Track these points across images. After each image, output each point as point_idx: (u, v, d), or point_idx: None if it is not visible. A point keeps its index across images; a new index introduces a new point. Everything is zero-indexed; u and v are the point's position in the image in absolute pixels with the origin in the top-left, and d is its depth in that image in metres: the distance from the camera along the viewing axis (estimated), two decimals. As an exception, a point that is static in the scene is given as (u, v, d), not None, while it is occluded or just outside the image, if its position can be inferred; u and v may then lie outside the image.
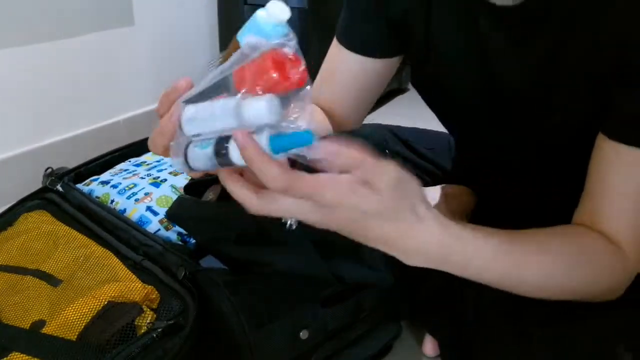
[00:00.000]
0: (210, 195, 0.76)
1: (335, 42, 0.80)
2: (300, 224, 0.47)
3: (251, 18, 0.44)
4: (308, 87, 0.42)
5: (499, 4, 0.61)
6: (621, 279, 0.61)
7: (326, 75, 0.82)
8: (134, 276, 0.80)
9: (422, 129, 1.02)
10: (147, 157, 1.16)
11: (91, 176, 1.11)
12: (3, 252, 0.88)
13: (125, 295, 0.76)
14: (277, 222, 0.47)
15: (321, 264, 0.74)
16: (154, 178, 1.06)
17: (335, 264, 0.74)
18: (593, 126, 0.61)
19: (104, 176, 1.10)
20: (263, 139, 0.42)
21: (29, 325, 0.74)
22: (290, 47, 0.42)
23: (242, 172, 0.47)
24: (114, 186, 1.05)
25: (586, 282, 0.59)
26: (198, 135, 0.46)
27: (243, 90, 0.42)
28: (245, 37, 0.44)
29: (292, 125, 0.42)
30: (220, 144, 0.44)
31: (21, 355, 0.69)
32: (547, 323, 0.62)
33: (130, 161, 1.16)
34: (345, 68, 0.80)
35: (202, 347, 0.75)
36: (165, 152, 0.49)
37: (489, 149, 0.78)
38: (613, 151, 0.59)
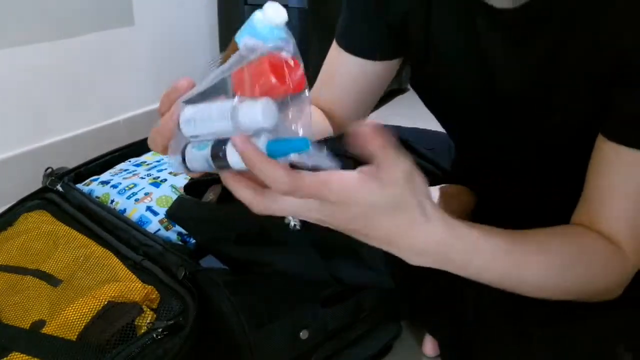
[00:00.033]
0: (210, 195, 0.76)
1: (334, 44, 0.80)
2: (303, 224, 0.47)
3: (249, 19, 0.44)
4: (306, 92, 0.42)
5: (498, 6, 0.61)
6: (621, 279, 0.61)
7: (326, 77, 0.82)
8: (134, 276, 0.80)
9: (422, 129, 1.02)
10: (147, 157, 1.16)
11: (91, 176, 1.11)
12: (3, 252, 0.88)
13: (125, 295, 0.76)
14: (279, 222, 0.47)
15: (321, 265, 0.74)
16: (154, 178, 1.06)
17: (335, 264, 0.74)
18: (593, 126, 0.61)
19: (104, 176, 1.10)
20: (260, 144, 0.42)
21: (29, 325, 0.74)
22: (289, 51, 0.41)
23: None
24: (114, 186, 1.05)
25: (586, 281, 0.59)
26: (196, 136, 0.46)
27: (239, 94, 0.42)
28: (243, 39, 0.43)
29: (290, 130, 0.42)
30: (218, 147, 0.44)
31: (21, 355, 0.69)
32: (547, 323, 0.62)
33: (130, 161, 1.16)
34: (345, 70, 0.80)
35: (202, 347, 0.75)
36: (165, 151, 0.49)
37: (489, 149, 0.78)
38: (613, 152, 0.59)
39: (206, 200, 0.77)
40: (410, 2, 0.70)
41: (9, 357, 0.69)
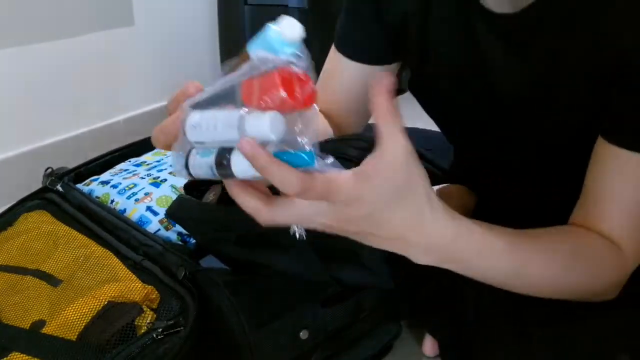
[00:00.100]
0: (210, 196, 0.76)
1: (334, 48, 0.80)
2: (307, 232, 0.47)
3: (263, 31, 0.43)
4: (315, 107, 0.42)
5: (498, 11, 0.61)
6: (619, 280, 0.61)
7: (326, 80, 0.82)
8: (134, 276, 0.80)
9: (421, 129, 1.02)
10: (147, 157, 1.16)
11: (91, 176, 1.11)
12: (3, 252, 0.88)
13: (125, 295, 0.76)
14: (284, 231, 0.47)
15: (321, 267, 0.74)
16: (154, 178, 1.06)
17: (335, 266, 0.74)
18: (593, 126, 0.61)
19: (104, 176, 1.10)
20: None
21: (29, 325, 0.74)
22: (301, 67, 0.41)
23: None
24: (114, 186, 1.05)
25: (586, 281, 0.59)
26: (201, 142, 0.46)
27: (248, 104, 0.42)
28: (255, 50, 0.43)
29: (296, 144, 0.41)
30: (222, 155, 0.44)
31: (21, 355, 0.69)
32: (547, 323, 0.62)
33: (130, 161, 1.16)
34: (344, 74, 0.80)
35: (202, 347, 0.75)
36: (168, 148, 0.49)
37: (489, 149, 0.78)
38: (612, 154, 0.59)
39: (206, 201, 0.76)
40: (409, 5, 0.70)
41: (9, 357, 0.69)
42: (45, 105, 1.53)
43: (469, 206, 0.84)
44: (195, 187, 0.79)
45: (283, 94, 0.40)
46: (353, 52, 0.78)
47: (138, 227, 0.93)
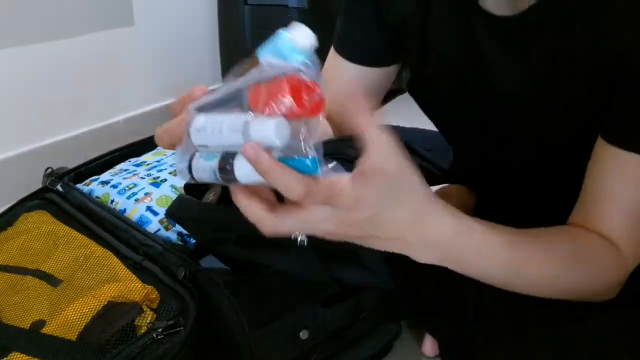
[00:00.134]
0: (210, 196, 0.76)
1: (333, 49, 0.80)
2: (308, 237, 0.47)
3: (275, 37, 0.43)
4: (321, 116, 0.42)
5: (498, 14, 0.61)
6: (619, 280, 0.61)
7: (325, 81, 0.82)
8: (134, 276, 0.80)
9: (421, 129, 1.02)
10: (147, 157, 1.16)
11: (91, 176, 1.11)
12: (3, 252, 0.88)
13: (125, 295, 0.76)
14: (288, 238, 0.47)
15: (321, 266, 0.74)
16: (154, 178, 1.06)
17: (335, 266, 0.74)
18: (593, 126, 0.61)
19: (104, 176, 1.10)
20: None
21: (29, 325, 0.74)
22: (310, 75, 0.41)
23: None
24: (114, 186, 1.05)
25: (585, 281, 0.60)
26: (205, 146, 0.46)
27: (254, 109, 0.42)
28: (265, 55, 0.43)
29: (300, 150, 0.41)
30: (226, 159, 0.44)
31: (21, 355, 0.69)
32: (547, 323, 0.62)
33: (130, 161, 1.16)
34: (343, 76, 0.80)
35: (202, 347, 0.75)
36: (171, 147, 0.49)
37: (489, 149, 0.78)
38: (612, 155, 0.59)
39: (206, 201, 0.77)
40: (409, 6, 0.70)
41: (9, 357, 0.69)
42: (45, 105, 1.53)
43: (469, 206, 0.84)
44: (195, 187, 0.79)
45: (290, 100, 0.40)
46: (353, 54, 0.78)
47: (138, 227, 0.93)
